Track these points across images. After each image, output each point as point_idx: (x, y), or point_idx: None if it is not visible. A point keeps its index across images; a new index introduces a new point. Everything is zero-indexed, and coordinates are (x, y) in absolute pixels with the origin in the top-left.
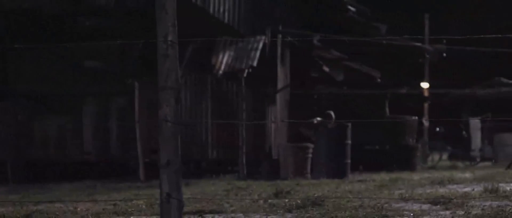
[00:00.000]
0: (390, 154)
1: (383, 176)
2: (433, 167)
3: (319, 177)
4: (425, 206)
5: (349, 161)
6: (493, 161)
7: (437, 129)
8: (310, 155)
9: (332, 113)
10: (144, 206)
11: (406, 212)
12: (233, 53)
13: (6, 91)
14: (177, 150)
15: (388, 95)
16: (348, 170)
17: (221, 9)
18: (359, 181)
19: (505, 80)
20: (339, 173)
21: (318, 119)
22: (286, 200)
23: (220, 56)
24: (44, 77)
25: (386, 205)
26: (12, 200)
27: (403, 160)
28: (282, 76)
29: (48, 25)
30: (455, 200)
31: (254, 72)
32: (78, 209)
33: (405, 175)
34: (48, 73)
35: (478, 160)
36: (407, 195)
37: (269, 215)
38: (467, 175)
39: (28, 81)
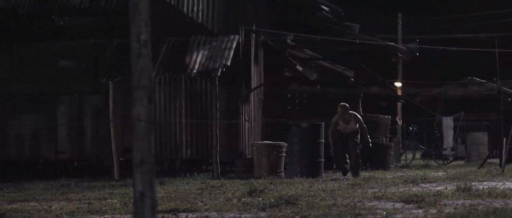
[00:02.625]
0: (363, 152)
1: None
2: (406, 166)
3: (292, 176)
4: (398, 205)
5: (322, 159)
6: (466, 159)
7: (410, 128)
8: (284, 154)
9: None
10: (118, 205)
11: (379, 211)
12: (207, 52)
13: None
14: (150, 149)
15: (361, 94)
16: (322, 169)
17: (195, 8)
18: (333, 179)
19: (477, 79)
20: (312, 172)
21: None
22: (260, 199)
23: (194, 56)
24: (18, 76)
25: (359, 203)
26: None
27: (376, 159)
28: (255, 75)
29: (23, 24)
30: (428, 198)
31: (228, 71)
32: (53, 207)
33: (378, 173)
34: (22, 72)
35: (451, 159)
36: (380, 193)
37: (242, 214)
38: (440, 173)
39: (2, 80)
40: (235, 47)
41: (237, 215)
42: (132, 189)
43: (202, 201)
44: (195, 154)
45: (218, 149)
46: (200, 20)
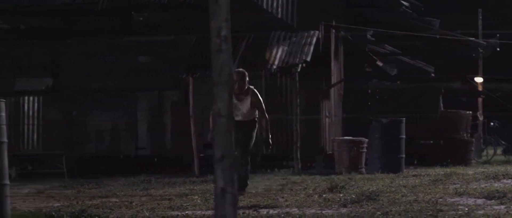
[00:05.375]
0: (444, 148)
1: (438, 171)
2: (487, 162)
3: (373, 172)
4: (480, 201)
5: (403, 155)
6: None
7: (491, 123)
8: (364, 150)
9: None
10: (199, 201)
11: (460, 207)
12: (287, 48)
13: (60, 87)
14: (231, 144)
15: (442, 90)
16: (403, 165)
17: (275, 4)
18: (414, 175)
19: None
20: (393, 168)
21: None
22: (341, 195)
23: (274, 51)
24: (98, 73)
25: (440, 199)
26: (68, 195)
27: (457, 155)
28: (336, 71)
29: (101, 20)
30: (510, 194)
31: (308, 67)
32: (133, 204)
33: (459, 169)
34: (101, 68)
35: None
36: (461, 189)
37: (324, 210)
38: None
39: (82, 76)
40: (315, 43)
41: (318, 211)
42: (214, 184)
43: (283, 197)
44: (276, 150)
45: (298, 145)
46: (279, 16)
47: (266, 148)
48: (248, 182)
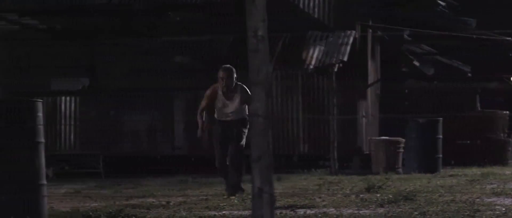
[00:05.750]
0: (481, 148)
1: (475, 171)
2: None
3: (410, 172)
4: None
5: (440, 155)
6: None
7: None
8: (401, 150)
9: None
10: (236, 201)
11: (498, 207)
12: (323, 47)
13: (97, 87)
14: (268, 144)
15: (479, 89)
16: (440, 165)
17: (311, 4)
18: (451, 175)
19: None
20: (430, 168)
21: None
22: (378, 195)
23: (311, 51)
24: (134, 73)
25: (478, 199)
26: (105, 195)
27: (494, 155)
28: (372, 71)
29: (137, 20)
30: None
31: (344, 67)
32: (170, 203)
33: (496, 169)
34: (138, 67)
35: None
36: (499, 189)
37: (361, 210)
38: None
39: (118, 76)
40: (352, 43)
41: (356, 211)
42: (252, 184)
43: (320, 197)
44: (312, 150)
45: (335, 145)
46: (316, 16)
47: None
48: (241, 186)
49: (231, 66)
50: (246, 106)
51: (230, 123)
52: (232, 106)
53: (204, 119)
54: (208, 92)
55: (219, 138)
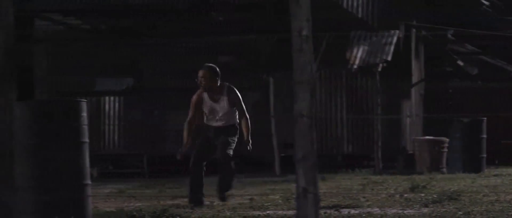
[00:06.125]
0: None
1: None
2: None
3: (454, 172)
4: None
5: (484, 155)
6: None
7: None
8: (445, 150)
9: None
10: (280, 201)
11: None
12: (367, 47)
13: (141, 86)
14: (312, 144)
15: None
16: (484, 165)
17: (355, 4)
18: (495, 175)
19: None
20: (474, 168)
21: None
22: (422, 195)
23: (354, 51)
24: (178, 73)
25: None
26: (149, 195)
27: None
28: (416, 71)
29: (181, 20)
30: None
31: (388, 66)
32: (214, 203)
33: None
34: (182, 68)
35: None
36: None
37: (405, 210)
38: None
39: (162, 76)
40: (396, 42)
41: (400, 211)
42: (296, 184)
43: (364, 197)
44: (356, 149)
45: (379, 145)
46: (360, 15)
47: (246, 148)
48: (231, 189)
49: (211, 65)
50: (237, 112)
51: (220, 130)
52: (221, 109)
53: (190, 133)
54: (193, 98)
55: (202, 140)
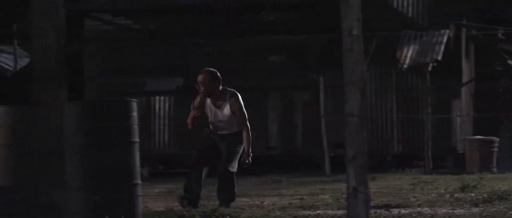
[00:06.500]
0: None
1: None
2: None
3: (505, 171)
4: None
5: None
6: None
7: None
8: (496, 149)
9: None
10: (330, 200)
11: None
12: (417, 47)
13: (190, 85)
14: (363, 144)
15: None
16: None
17: (405, 3)
18: None
19: None
20: None
21: None
22: (472, 194)
23: (405, 50)
24: (228, 72)
25: None
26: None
27: None
28: (466, 70)
29: (232, 19)
30: None
31: (438, 66)
32: (264, 203)
33: None
34: (232, 68)
35: None
36: None
37: (455, 209)
38: None
39: None
40: (446, 42)
41: (450, 211)
42: (347, 184)
43: (414, 197)
44: (406, 149)
45: (429, 144)
46: (410, 15)
47: (243, 163)
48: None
49: (211, 69)
50: (238, 114)
51: (224, 137)
52: (223, 115)
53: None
54: (196, 101)
55: (203, 146)
